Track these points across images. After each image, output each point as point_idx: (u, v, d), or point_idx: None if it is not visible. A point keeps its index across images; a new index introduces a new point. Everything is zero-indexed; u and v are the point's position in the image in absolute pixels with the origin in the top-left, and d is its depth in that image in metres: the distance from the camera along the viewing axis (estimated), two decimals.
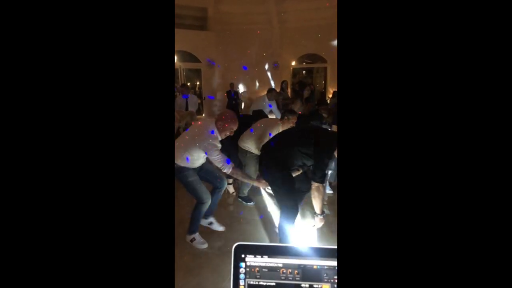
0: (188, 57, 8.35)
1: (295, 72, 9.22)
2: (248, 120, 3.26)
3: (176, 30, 7.46)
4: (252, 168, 2.75)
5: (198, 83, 9.10)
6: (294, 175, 2.06)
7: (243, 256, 0.57)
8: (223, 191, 2.41)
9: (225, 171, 2.12)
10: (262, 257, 0.58)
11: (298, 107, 3.52)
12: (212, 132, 2.11)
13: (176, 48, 7.97)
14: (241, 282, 0.57)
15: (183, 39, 7.45)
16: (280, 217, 2.04)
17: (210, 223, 2.48)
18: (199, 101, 8.85)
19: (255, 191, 3.21)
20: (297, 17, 7.91)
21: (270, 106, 4.49)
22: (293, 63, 8.86)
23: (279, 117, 3.26)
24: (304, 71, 9.40)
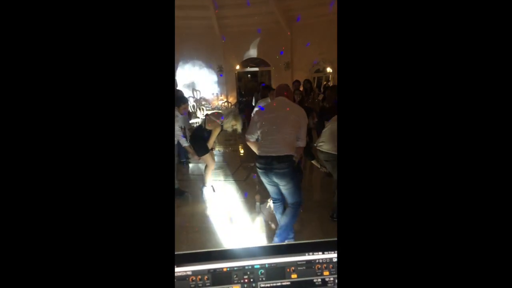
0: None
1: (240, 76, 9.33)
2: None
3: None
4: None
5: None
6: None
7: None
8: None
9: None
10: None
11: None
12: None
13: None
14: None
15: None
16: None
17: None
18: None
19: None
20: (237, 23, 8.02)
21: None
22: (237, 67, 8.96)
23: None
24: (249, 75, 9.56)
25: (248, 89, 9.43)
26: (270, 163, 1.93)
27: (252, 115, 2.26)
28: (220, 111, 3.41)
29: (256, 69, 9.21)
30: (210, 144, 2.97)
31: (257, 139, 2.12)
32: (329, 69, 8.08)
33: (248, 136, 2.12)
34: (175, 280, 0.56)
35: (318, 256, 0.62)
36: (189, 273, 0.57)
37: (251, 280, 0.59)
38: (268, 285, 0.59)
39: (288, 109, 2.00)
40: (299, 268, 0.61)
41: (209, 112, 3.45)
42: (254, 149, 2.12)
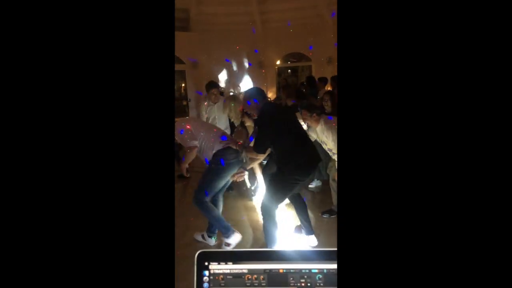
0: None
1: (280, 71, 9.25)
2: None
3: None
4: None
5: (183, 84, 9.02)
6: None
7: (206, 263, 0.55)
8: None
9: None
10: (226, 263, 0.56)
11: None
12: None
13: None
14: None
15: None
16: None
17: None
18: (185, 103, 8.76)
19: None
20: (279, 17, 7.92)
21: None
22: (278, 62, 8.89)
23: None
24: (289, 70, 9.45)
25: (288, 84, 9.34)
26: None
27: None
28: None
29: (297, 64, 9.07)
30: None
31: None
32: None
33: None
34: (232, 277, 0.56)
35: None
36: (245, 271, 0.56)
37: (308, 284, 0.56)
38: None
39: None
40: None
41: None
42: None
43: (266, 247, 2.08)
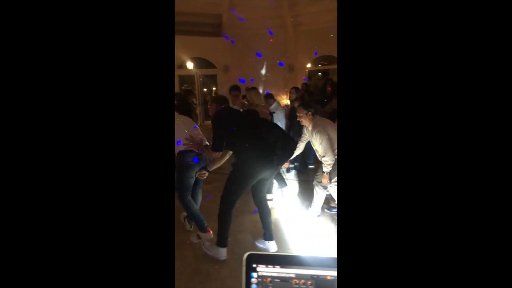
0: (204, 63, 8.50)
1: (311, 74, 9.16)
2: None
3: (191, 37, 7.68)
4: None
5: (214, 88, 9.23)
6: None
7: (254, 266, 0.56)
8: None
9: None
10: (274, 267, 0.57)
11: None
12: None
13: (191, 55, 8.11)
14: None
15: (198, 45, 7.59)
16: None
17: None
18: None
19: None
20: (310, 20, 7.86)
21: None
22: (309, 65, 8.81)
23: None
24: (319, 73, 9.33)
25: (317, 87, 9.22)
26: None
27: None
28: None
29: (327, 67, 8.92)
30: None
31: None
32: None
33: None
34: (279, 281, 0.56)
35: None
36: (293, 275, 0.57)
37: None
38: None
39: None
40: None
41: None
42: None
43: (293, 252, 2.06)
